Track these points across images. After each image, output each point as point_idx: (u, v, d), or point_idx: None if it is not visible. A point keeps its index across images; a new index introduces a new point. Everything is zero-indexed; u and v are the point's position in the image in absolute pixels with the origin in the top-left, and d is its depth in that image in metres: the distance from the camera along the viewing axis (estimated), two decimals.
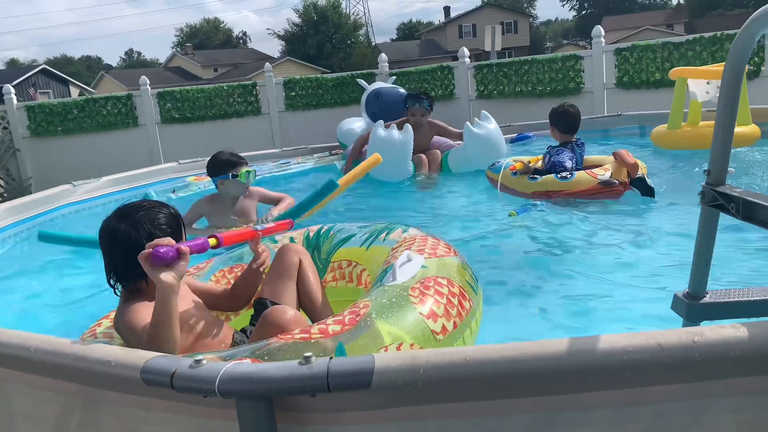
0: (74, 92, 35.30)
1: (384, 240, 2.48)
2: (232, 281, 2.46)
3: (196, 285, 2.26)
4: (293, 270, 2.32)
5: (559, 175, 4.30)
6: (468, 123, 5.80)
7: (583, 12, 68.49)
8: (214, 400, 1.20)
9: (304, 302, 2.29)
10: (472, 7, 56.24)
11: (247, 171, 4.24)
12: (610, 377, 1.10)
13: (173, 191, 5.99)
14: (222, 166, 4.21)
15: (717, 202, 1.48)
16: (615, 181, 4.19)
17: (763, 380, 1.11)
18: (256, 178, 6.78)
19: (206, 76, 46.70)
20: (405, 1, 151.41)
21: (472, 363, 1.10)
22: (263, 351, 1.56)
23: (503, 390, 1.12)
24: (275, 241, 2.66)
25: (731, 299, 1.63)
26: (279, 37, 50.15)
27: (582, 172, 4.31)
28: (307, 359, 1.17)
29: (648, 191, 4.24)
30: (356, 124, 7.50)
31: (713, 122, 6.07)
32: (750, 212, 1.37)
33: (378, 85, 7.57)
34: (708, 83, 5.63)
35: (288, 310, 1.90)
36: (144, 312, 1.80)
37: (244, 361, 1.27)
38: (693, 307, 1.63)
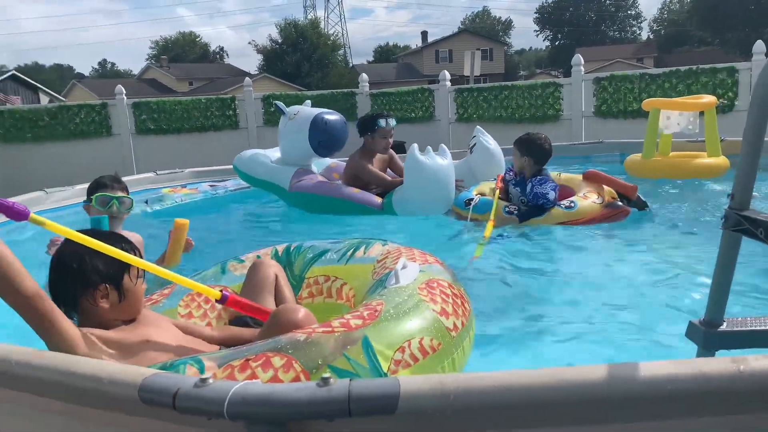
0: (44, 100, 34.53)
1: (364, 254, 2.44)
2: (203, 304, 2.30)
3: (181, 325, 2.01)
4: (270, 284, 2.24)
5: (563, 206, 4.20)
6: (478, 132, 5.44)
7: (557, 42, 69.98)
8: (219, 423, 1.10)
9: None
10: (450, 33, 57.17)
11: (108, 196, 3.14)
12: (650, 407, 1.04)
13: (146, 202, 5.79)
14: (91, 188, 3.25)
15: (741, 226, 1.44)
16: (619, 203, 4.23)
17: None
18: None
19: (181, 89, 46.15)
20: (382, 25, 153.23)
21: (508, 388, 1.03)
22: (286, 345, 1.51)
23: (538, 418, 1.05)
24: (242, 261, 2.53)
25: (749, 328, 1.59)
26: (258, 51, 49.87)
27: (579, 199, 4.25)
28: (326, 380, 1.07)
29: (643, 205, 4.31)
30: (271, 153, 5.80)
31: (684, 153, 6.23)
32: None
33: (303, 109, 5.55)
34: (680, 115, 5.77)
35: (300, 309, 1.81)
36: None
37: (254, 381, 1.17)
38: (710, 335, 1.58)
